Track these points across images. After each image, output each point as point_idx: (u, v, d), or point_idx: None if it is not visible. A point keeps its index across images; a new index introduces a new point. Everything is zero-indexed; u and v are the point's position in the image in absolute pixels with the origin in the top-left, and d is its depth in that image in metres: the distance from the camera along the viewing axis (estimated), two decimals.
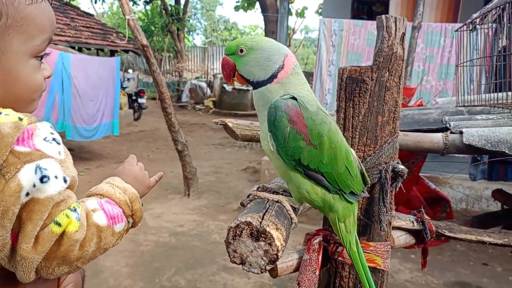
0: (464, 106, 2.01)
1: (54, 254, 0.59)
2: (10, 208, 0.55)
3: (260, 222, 0.61)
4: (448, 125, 1.65)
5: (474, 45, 2.11)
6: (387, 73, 1.04)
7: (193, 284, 3.61)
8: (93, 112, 7.48)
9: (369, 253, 1.11)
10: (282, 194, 0.81)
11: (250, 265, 0.61)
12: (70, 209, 0.62)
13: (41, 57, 0.67)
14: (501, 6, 1.83)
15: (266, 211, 0.67)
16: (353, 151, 0.88)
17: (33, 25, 0.64)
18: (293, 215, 0.76)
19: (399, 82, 1.06)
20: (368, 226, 1.12)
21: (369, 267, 1.14)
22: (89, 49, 11.02)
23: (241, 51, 0.82)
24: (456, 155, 4.78)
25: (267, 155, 0.82)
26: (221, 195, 5.99)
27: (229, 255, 0.62)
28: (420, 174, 2.78)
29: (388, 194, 1.05)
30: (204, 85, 16.04)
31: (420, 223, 1.38)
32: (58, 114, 6.86)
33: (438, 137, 1.41)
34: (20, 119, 0.58)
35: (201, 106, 15.14)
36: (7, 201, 0.55)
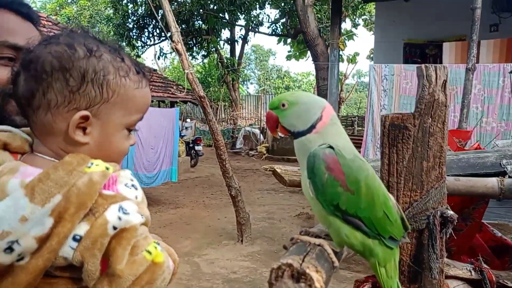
0: None
1: (141, 280, 0.66)
2: (99, 240, 0.64)
3: (301, 264, 0.65)
4: (506, 169, 1.59)
5: None
6: (430, 119, 1.06)
7: None
8: (154, 160, 7.91)
9: None
10: (324, 238, 0.84)
11: None
12: (155, 242, 0.72)
13: (131, 130, 0.81)
14: None
15: (307, 254, 0.70)
16: (392, 197, 0.90)
17: (134, 104, 0.78)
18: (334, 259, 0.78)
19: (443, 128, 1.07)
20: (418, 274, 1.10)
21: None
22: (152, 101, 11.85)
23: (283, 105, 0.90)
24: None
25: (308, 200, 0.87)
26: (274, 242, 5.92)
27: None
28: (484, 221, 2.61)
29: (438, 241, 1.03)
30: (257, 131, 16.39)
31: (478, 272, 1.31)
32: (122, 162, 7.33)
33: (492, 182, 1.36)
34: (107, 168, 0.70)
35: (255, 152, 15.39)
36: (96, 233, 0.64)
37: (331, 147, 0.84)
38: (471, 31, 3.57)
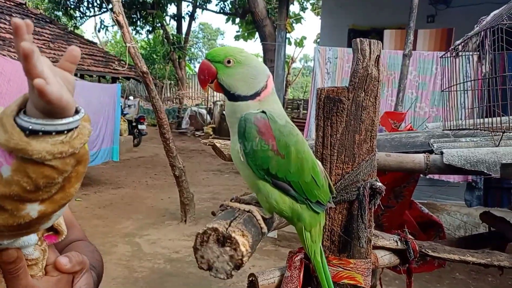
0: (450, 130, 2.05)
1: None
2: None
3: (227, 228, 0.64)
4: (432, 147, 1.69)
5: (461, 70, 2.17)
6: (363, 93, 1.08)
7: None
8: (93, 138, 7.54)
9: (349, 270, 1.11)
10: (254, 205, 0.84)
11: (217, 270, 0.63)
12: None
13: None
14: (482, 33, 1.90)
15: (234, 219, 0.70)
16: (319, 163, 0.92)
17: None
18: (263, 225, 0.78)
19: (375, 102, 1.10)
20: (347, 243, 1.14)
21: (350, 284, 1.15)
22: (91, 76, 11.23)
23: (228, 62, 0.85)
24: (452, 181, 4.78)
25: (237, 166, 0.86)
26: None
27: (197, 261, 0.64)
28: (416, 201, 2.79)
29: (367, 211, 1.07)
30: (204, 112, 16.21)
31: (404, 243, 1.39)
32: None
33: (419, 158, 1.44)
34: None
35: (201, 132, 15.25)
36: None
37: (263, 112, 0.83)
38: (408, 18, 3.72)
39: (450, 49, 2.06)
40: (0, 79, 5.87)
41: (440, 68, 4.71)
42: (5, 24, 9.04)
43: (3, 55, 6.68)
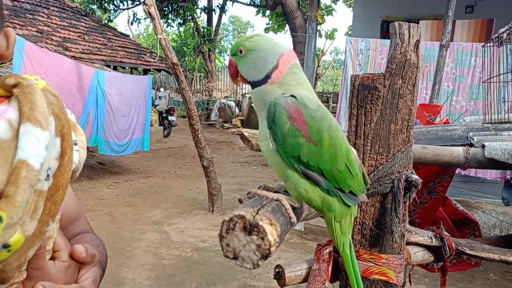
0: (491, 123, 1.94)
1: None
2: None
3: (254, 216, 0.61)
4: (472, 140, 1.60)
5: (503, 61, 2.05)
6: (400, 80, 1.02)
7: None
8: (125, 128, 7.72)
9: (381, 265, 1.07)
10: (283, 194, 0.81)
11: (243, 259, 0.61)
12: None
13: None
14: None
15: (262, 207, 0.66)
16: (354, 151, 0.87)
17: None
18: (292, 214, 0.75)
19: (413, 90, 1.04)
20: (379, 238, 1.09)
21: (381, 280, 1.10)
22: (123, 67, 11.47)
23: (241, 52, 0.84)
24: (489, 178, 4.58)
25: (264, 154, 0.82)
26: None
27: (222, 249, 0.62)
28: (450, 197, 2.68)
29: (401, 205, 1.02)
30: (232, 104, 16.25)
31: (439, 239, 1.32)
32: (92, 129, 7.13)
33: (458, 151, 1.36)
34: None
35: (229, 124, 15.31)
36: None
37: (293, 96, 0.79)
38: (447, 8, 3.55)
39: (493, 37, 1.94)
40: (38, 70, 6.08)
41: (479, 60, 4.50)
42: (42, 17, 9.34)
43: (41, 47, 6.91)
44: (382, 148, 1.06)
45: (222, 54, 28.34)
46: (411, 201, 1.05)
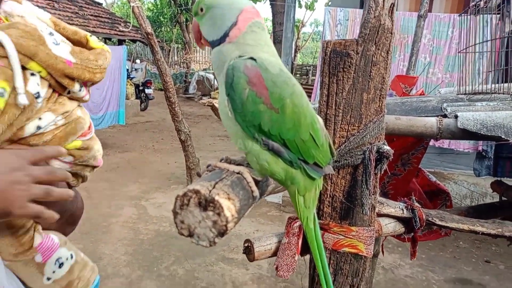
0: (465, 94, 1.93)
1: None
2: None
3: (210, 191, 0.56)
4: (446, 111, 1.58)
5: (479, 31, 2.02)
6: (374, 46, 0.97)
7: (191, 273, 3.59)
8: (99, 101, 7.49)
9: (351, 238, 1.05)
10: (246, 166, 0.76)
11: (198, 237, 0.56)
12: None
13: None
14: None
15: (220, 180, 0.62)
16: (320, 120, 0.82)
17: None
18: (254, 188, 0.70)
19: (387, 57, 1.00)
20: (350, 210, 1.06)
21: (351, 253, 1.09)
22: (97, 38, 11.02)
23: (201, 10, 0.77)
24: (461, 149, 4.67)
25: (224, 124, 0.76)
26: None
27: (177, 227, 0.57)
28: (423, 169, 2.71)
29: (372, 176, 0.99)
30: (211, 76, 15.98)
31: (410, 211, 1.32)
32: None
33: (431, 121, 1.34)
34: None
35: (208, 97, 15.10)
36: None
37: (253, 59, 0.72)
38: None
39: (470, 5, 1.90)
40: None
41: (456, 31, 4.49)
42: None
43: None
44: (354, 118, 1.02)
45: None
46: (382, 172, 1.02)
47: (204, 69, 17.94)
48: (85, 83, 0.85)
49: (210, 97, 14.97)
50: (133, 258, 3.81)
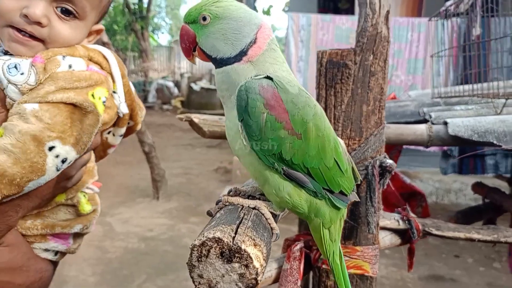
0: (440, 97, 1.94)
1: None
2: None
3: (233, 238, 0.47)
4: (427, 117, 1.57)
5: (447, 35, 2.05)
6: (372, 56, 0.92)
7: None
8: None
9: (356, 258, 0.99)
10: (259, 199, 0.67)
11: None
12: None
13: None
14: None
15: (241, 222, 0.52)
16: (342, 141, 0.74)
17: None
18: (274, 225, 0.61)
19: (385, 67, 0.95)
20: (354, 229, 1.01)
21: (357, 274, 1.03)
22: None
23: (204, 19, 0.66)
24: (427, 149, 4.81)
25: (234, 152, 0.67)
26: (192, 197, 5.81)
27: (193, 281, 0.48)
28: (397, 171, 2.72)
29: (376, 193, 0.93)
30: (171, 84, 15.71)
31: (406, 222, 1.28)
32: None
33: (421, 129, 1.32)
34: None
35: (169, 106, 14.81)
36: None
37: (269, 77, 0.63)
38: None
39: (440, 10, 1.92)
40: None
41: (415, 34, 4.62)
42: None
43: None
44: (354, 132, 0.96)
45: (156, 32, 27.11)
46: (385, 187, 0.97)
47: (163, 77, 17.60)
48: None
49: (171, 105, 14.69)
50: (102, 279, 3.59)
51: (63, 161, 0.77)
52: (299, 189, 0.66)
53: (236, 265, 0.46)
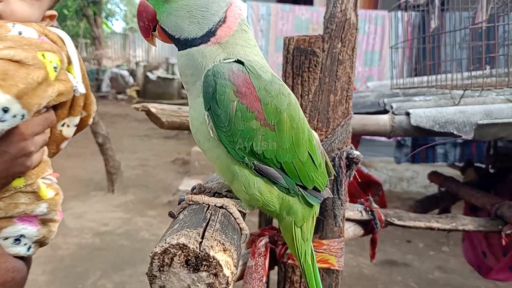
0: (399, 88, 1.97)
1: None
2: None
3: (200, 243, 0.41)
4: (388, 108, 1.58)
5: (403, 27, 2.09)
6: (340, 43, 0.89)
7: (122, 286, 3.31)
8: None
9: (322, 252, 0.97)
10: (226, 196, 0.61)
11: None
12: None
13: None
14: None
15: (208, 224, 0.46)
16: (315, 134, 0.70)
17: None
18: (243, 225, 0.56)
19: (353, 55, 0.92)
20: (320, 222, 0.98)
21: (323, 268, 1.01)
22: None
23: None
24: (382, 139, 4.94)
25: (199, 144, 0.60)
26: (149, 189, 5.65)
27: None
28: None
29: (343, 185, 0.91)
30: (126, 73, 15.16)
31: (369, 213, 1.28)
32: None
33: (384, 119, 1.31)
34: None
35: (124, 96, 14.30)
36: None
37: (239, 61, 0.57)
38: None
39: (400, 2, 1.94)
40: None
41: (372, 27, 4.71)
42: None
43: None
44: (321, 122, 0.93)
45: (109, 18, 26.00)
46: (351, 179, 0.95)
47: (118, 66, 16.95)
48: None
49: (126, 94, 14.19)
50: (53, 277, 3.41)
51: (5, 111, 0.71)
52: (271, 185, 0.61)
53: (204, 274, 0.40)
